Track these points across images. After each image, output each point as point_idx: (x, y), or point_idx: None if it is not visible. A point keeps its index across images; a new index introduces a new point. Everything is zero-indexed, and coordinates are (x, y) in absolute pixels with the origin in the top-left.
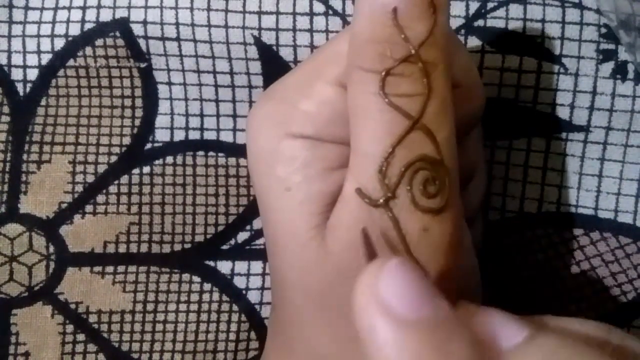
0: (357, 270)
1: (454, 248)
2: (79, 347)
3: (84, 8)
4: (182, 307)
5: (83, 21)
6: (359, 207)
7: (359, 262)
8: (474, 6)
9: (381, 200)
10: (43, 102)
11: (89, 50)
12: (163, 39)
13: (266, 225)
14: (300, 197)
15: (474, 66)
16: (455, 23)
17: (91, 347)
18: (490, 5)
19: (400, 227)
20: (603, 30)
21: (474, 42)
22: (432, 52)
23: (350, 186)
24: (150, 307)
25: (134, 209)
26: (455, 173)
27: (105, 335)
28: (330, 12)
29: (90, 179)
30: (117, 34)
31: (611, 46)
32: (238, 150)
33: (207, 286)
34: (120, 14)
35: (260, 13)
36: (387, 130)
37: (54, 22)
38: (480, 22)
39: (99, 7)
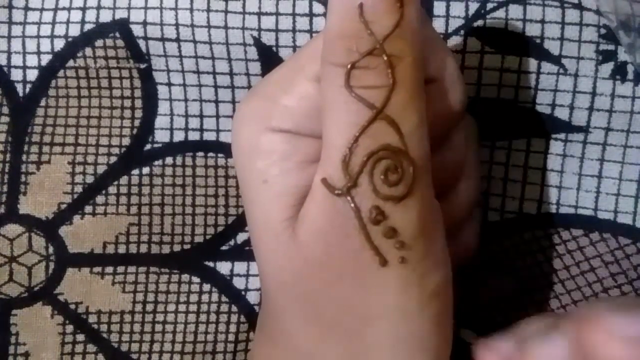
0: (324, 261)
1: (419, 238)
2: (79, 348)
3: (83, 9)
4: (182, 307)
5: (83, 22)
6: (324, 197)
7: (325, 252)
8: (473, 7)
9: (343, 189)
10: (43, 103)
11: (88, 51)
12: (163, 39)
13: (247, 218)
14: (277, 189)
15: (452, 61)
16: (454, 23)
17: (91, 348)
18: (489, 5)
19: (361, 215)
20: (603, 31)
21: (473, 42)
22: (398, 44)
23: (318, 177)
24: (149, 307)
25: (134, 209)
26: (423, 163)
27: (104, 335)
28: None
29: (90, 179)
30: (117, 34)
31: (611, 47)
32: None
33: (206, 287)
34: (120, 14)
35: (260, 14)
36: (351, 121)
37: (53, 22)
38: (479, 23)
39: (98, 7)
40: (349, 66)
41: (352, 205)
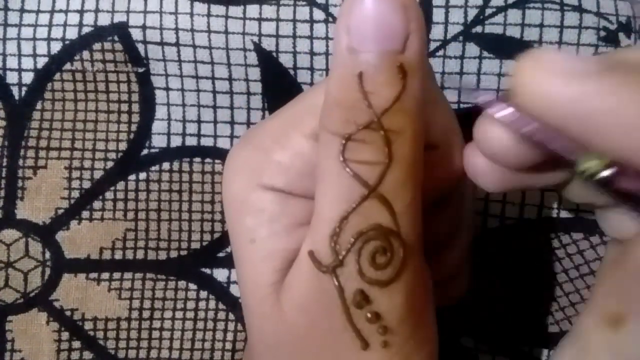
0: (306, 335)
1: (405, 321)
2: (75, 355)
3: (81, 12)
4: (179, 314)
5: (81, 25)
6: (310, 271)
7: (307, 327)
8: (472, 13)
9: (329, 267)
10: (39, 106)
11: (86, 54)
12: (162, 44)
13: (236, 267)
14: (264, 251)
15: (456, 127)
16: (453, 30)
17: (87, 355)
18: (488, 11)
19: (344, 296)
20: (602, 33)
21: (472, 48)
22: (397, 119)
23: (306, 247)
24: (146, 314)
25: (130, 215)
26: (414, 242)
27: (101, 342)
28: (330, 19)
29: (87, 184)
30: (116, 38)
31: (610, 49)
32: None
33: (203, 294)
34: (119, 18)
35: (260, 19)
36: (342, 197)
37: (50, 25)
38: (478, 29)
39: (97, 11)
40: (345, 137)
41: (337, 284)
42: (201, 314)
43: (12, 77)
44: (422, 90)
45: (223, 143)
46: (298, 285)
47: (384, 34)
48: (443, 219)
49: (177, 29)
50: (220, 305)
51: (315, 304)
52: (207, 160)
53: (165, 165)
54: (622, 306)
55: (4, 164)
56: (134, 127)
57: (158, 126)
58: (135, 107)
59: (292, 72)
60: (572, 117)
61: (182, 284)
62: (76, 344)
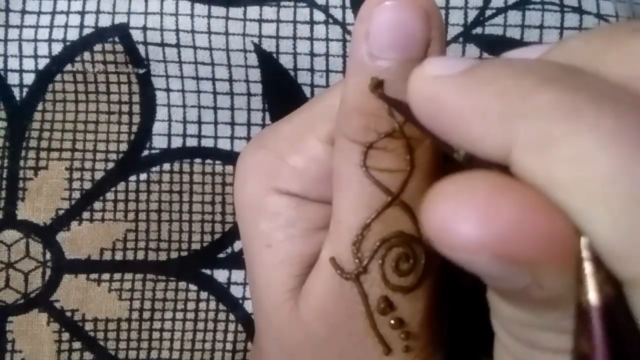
0: (325, 340)
1: (425, 325)
2: (75, 355)
3: (82, 13)
4: (179, 315)
5: (82, 26)
6: (331, 277)
7: (328, 332)
8: (472, 14)
9: (352, 274)
10: (40, 107)
11: (87, 55)
12: (162, 45)
13: (248, 274)
14: (281, 256)
15: None
16: (453, 31)
17: (87, 356)
18: (488, 12)
19: (368, 303)
20: None
21: (472, 49)
22: None
23: (326, 253)
24: (146, 315)
25: (131, 215)
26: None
27: (101, 343)
28: (331, 20)
29: (87, 185)
30: (116, 39)
31: None
32: (235, 158)
33: (203, 295)
34: (120, 19)
35: (260, 21)
36: (365, 204)
37: (51, 26)
38: (478, 30)
39: (97, 12)
40: (366, 145)
41: (361, 291)
42: (201, 315)
43: (13, 78)
44: None
45: (223, 144)
46: (318, 291)
47: (405, 42)
48: None
49: (177, 30)
50: (221, 306)
51: (336, 310)
52: (208, 161)
53: (166, 166)
54: None
55: (5, 164)
56: (134, 128)
57: (158, 127)
58: (136, 108)
59: (292, 73)
60: (427, 114)
61: (182, 284)
62: (77, 344)
